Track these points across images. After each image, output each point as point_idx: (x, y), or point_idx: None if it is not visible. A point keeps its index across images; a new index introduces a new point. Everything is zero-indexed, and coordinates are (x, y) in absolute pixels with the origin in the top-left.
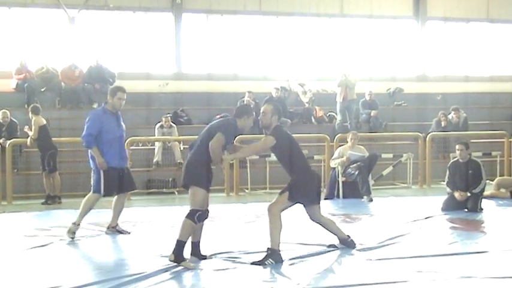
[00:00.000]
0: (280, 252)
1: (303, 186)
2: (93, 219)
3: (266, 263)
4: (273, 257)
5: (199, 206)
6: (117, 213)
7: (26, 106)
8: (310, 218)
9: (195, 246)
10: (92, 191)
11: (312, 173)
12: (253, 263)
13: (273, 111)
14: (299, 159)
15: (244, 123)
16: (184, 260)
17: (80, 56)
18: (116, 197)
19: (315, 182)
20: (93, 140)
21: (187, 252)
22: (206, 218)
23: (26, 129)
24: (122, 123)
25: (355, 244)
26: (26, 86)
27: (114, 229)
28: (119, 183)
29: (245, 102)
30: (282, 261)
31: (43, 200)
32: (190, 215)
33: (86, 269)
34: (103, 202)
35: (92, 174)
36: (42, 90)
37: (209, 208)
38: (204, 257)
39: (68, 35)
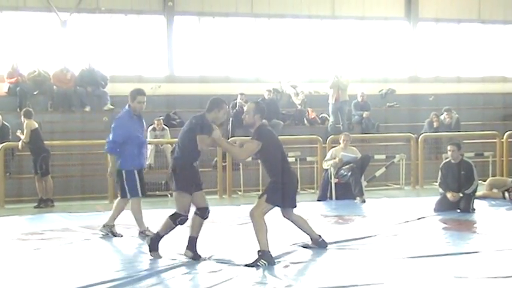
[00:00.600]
0: (271, 253)
1: (280, 188)
2: (86, 222)
3: (259, 264)
4: (264, 258)
5: (182, 210)
6: (117, 213)
7: (18, 110)
8: (283, 215)
9: (192, 240)
10: (128, 196)
11: (291, 175)
12: (246, 265)
13: (255, 110)
14: (278, 161)
15: (215, 116)
16: (156, 250)
17: (72, 59)
18: (119, 198)
19: (293, 184)
20: (116, 147)
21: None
22: (186, 222)
23: (18, 133)
24: (144, 126)
25: (326, 244)
26: (18, 89)
27: (109, 228)
28: (143, 185)
29: (237, 104)
30: (275, 261)
31: (36, 204)
32: (173, 217)
33: (79, 272)
34: (97, 205)
35: (123, 180)
36: (35, 93)
37: (209, 208)
38: (199, 256)
39: (60, 38)
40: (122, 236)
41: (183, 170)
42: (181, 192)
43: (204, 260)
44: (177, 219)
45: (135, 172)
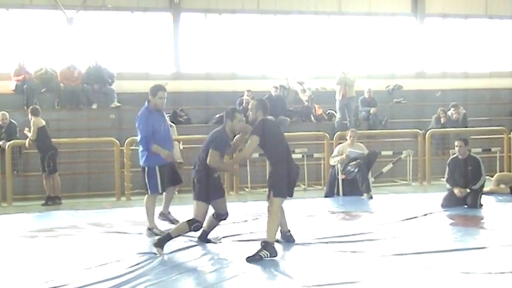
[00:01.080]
0: (274, 245)
1: (280, 180)
2: (93, 220)
3: (260, 254)
4: (267, 249)
5: (198, 217)
6: (168, 201)
7: (25, 107)
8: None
9: (204, 233)
10: (149, 192)
11: (289, 166)
12: (248, 258)
13: (257, 106)
14: (277, 151)
15: (230, 127)
16: (161, 248)
17: (79, 56)
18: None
19: (291, 175)
20: (149, 141)
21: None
22: (200, 228)
23: (26, 131)
24: (167, 121)
25: (294, 239)
26: (25, 87)
27: (164, 216)
28: (171, 178)
29: (244, 101)
30: (276, 253)
31: (43, 201)
32: (189, 222)
33: (87, 268)
34: (104, 203)
35: (146, 175)
36: (42, 91)
37: (228, 213)
38: (209, 240)
39: (67, 35)
40: (178, 221)
41: (200, 181)
42: (198, 201)
43: (214, 242)
44: (192, 225)
45: (157, 168)
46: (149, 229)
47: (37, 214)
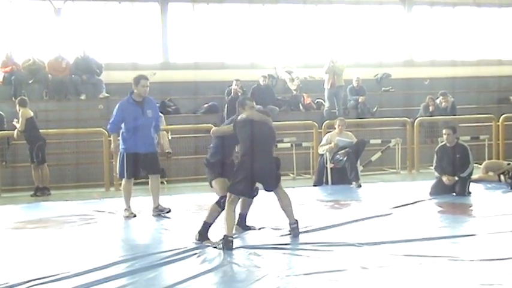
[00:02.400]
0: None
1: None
2: (83, 210)
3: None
4: (225, 244)
5: (221, 193)
6: (155, 194)
7: (13, 99)
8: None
9: (242, 217)
10: (119, 177)
11: (247, 161)
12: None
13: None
14: (242, 145)
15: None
16: (207, 239)
17: (67, 47)
18: (149, 180)
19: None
20: (114, 128)
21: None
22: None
23: (14, 122)
24: (149, 112)
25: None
26: (13, 78)
27: (157, 209)
28: (143, 167)
29: (232, 90)
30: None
31: (32, 192)
32: (218, 203)
33: (78, 258)
34: (93, 193)
35: (118, 161)
36: (30, 82)
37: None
38: (249, 228)
39: (54, 26)
40: (169, 210)
41: (211, 161)
42: (215, 179)
43: (255, 229)
44: (220, 202)
45: (125, 155)
46: (124, 209)
47: (26, 205)
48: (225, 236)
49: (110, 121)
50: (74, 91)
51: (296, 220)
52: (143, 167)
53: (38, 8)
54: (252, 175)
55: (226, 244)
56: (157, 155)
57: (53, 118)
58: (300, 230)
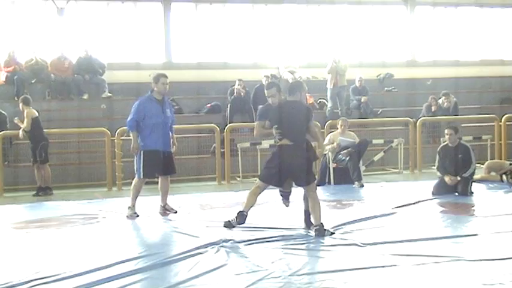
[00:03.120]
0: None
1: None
2: (85, 210)
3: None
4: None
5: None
6: (164, 193)
7: (15, 98)
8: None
9: (307, 214)
10: (136, 175)
11: (277, 151)
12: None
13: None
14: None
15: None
16: (242, 221)
17: (69, 47)
18: (160, 179)
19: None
20: (134, 125)
21: None
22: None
23: (16, 120)
24: (168, 110)
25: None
26: (16, 78)
27: (164, 208)
28: (159, 166)
29: (235, 90)
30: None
31: (34, 192)
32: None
33: (80, 258)
34: (95, 193)
35: (135, 158)
36: (32, 82)
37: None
38: (312, 224)
39: (57, 26)
40: (176, 211)
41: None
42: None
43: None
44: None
45: (142, 152)
46: (128, 207)
47: (28, 205)
48: (240, 211)
49: (129, 118)
50: (77, 91)
51: (320, 224)
52: (161, 166)
53: (40, 7)
54: (281, 166)
55: (239, 217)
56: (172, 155)
57: (56, 118)
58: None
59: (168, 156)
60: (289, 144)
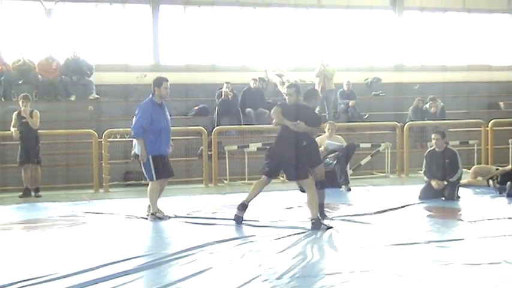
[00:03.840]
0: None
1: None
2: (72, 211)
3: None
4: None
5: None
6: (159, 195)
7: (2, 99)
8: None
9: (321, 207)
10: (148, 180)
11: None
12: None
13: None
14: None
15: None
16: (321, 221)
17: (57, 48)
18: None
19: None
20: (141, 131)
21: None
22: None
23: (26, 118)
24: (167, 114)
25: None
26: (3, 78)
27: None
28: (165, 169)
29: (223, 93)
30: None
31: (21, 193)
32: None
33: (66, 259)
34: (82, 194)
35: (142, 164)
36: (19, 82)
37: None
38: (326, 216)
39: (45, 27)
40: (169, 217)
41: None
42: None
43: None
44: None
45: (150, 158)
46: (152, 214)
47: (14, 206)
48: (243, 201)
49: (135, 125)
50: (64, 92)
51: (317, 217)
52: (165, 169)
53: (28, 8)
54: (274, 159)
55: (242, 206)
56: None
57: (43, 119)
58: (289, 233)
59: (168, 159)
60: (287, 138)
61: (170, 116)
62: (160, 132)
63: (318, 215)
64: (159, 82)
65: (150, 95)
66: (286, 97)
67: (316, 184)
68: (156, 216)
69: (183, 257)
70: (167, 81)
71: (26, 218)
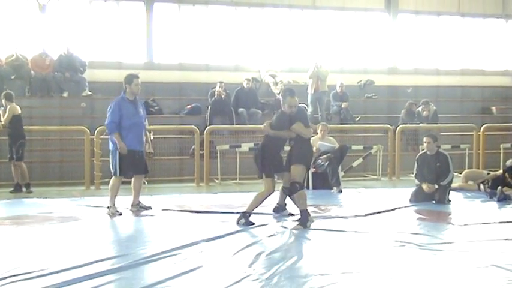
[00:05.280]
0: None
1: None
2: (62, 207)
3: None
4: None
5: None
6: (137, 192)
7: None
8: None
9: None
10: (112, 174)
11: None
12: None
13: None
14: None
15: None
16: (307, 223)
17: (51, 44)
18: (133, 178)
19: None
20: (115, 127)
21: None
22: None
23: None
24: (141, 110)
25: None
26: None
27: (137, 206)
28: (135, 165)
29: (216, 92)
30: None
31: (12, 189)
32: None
33: (55, 255)
34: (73, 191)
35: (110, 158)
36: (12, 78)
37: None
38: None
39: (39, 22)
40: (151, 208)
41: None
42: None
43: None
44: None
45: (117, 153)
46: (107, 207)
47: (4, 201)
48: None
49: (108, 121)
50: (57, 88)
51: (305, 209)
52: (136, 165)
53: (22, 4)
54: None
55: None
56: (144, 154)
57: (36, 115)
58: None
59: (141, 156)
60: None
61: (163, 114)
62: (130, 128)
63: (306, 207)
64: (130, 79)
65: (122, 92)
66: (291, 108)
67: (284, 190)
68: (110, 212)
69: (173, 255)
70: (138, 78)
71: (14, 213)
